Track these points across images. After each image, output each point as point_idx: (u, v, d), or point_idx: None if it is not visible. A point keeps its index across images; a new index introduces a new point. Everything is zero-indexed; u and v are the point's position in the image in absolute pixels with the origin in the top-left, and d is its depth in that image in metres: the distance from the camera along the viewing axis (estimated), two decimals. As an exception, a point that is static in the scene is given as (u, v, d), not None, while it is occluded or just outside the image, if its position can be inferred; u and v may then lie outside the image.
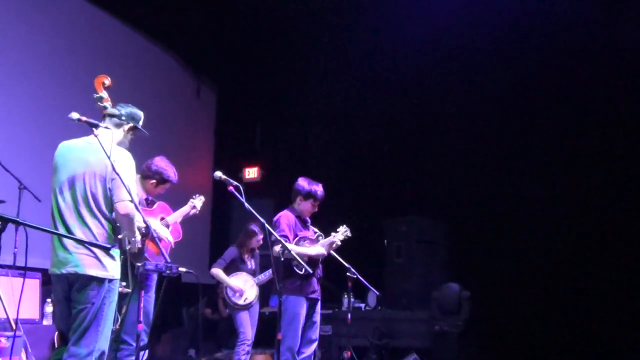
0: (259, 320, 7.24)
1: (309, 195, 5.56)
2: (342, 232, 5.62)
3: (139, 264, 3.43)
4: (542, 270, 8.44)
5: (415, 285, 8.56)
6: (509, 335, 8.35)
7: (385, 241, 8.95)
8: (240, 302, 7.02)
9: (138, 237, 3.71)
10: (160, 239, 5.09)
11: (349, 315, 6.06)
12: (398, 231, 8.82)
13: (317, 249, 5.49)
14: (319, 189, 5.60)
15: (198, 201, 5.61)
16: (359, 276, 5.69)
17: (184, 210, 5.52)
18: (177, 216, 5.42)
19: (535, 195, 8.74)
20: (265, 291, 7.37)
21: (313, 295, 5.48)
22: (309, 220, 5.71)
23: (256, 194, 10.59)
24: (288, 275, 5.30)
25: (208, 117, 11.43)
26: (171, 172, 5.27)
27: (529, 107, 8.87)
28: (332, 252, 5.63)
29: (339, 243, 5.60)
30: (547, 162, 8.70)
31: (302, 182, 5.61)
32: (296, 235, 5.47)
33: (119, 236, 3.77)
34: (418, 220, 8.90)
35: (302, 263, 4.99)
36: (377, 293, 6.49)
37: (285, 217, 5.48)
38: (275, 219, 5.47)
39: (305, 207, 5.59)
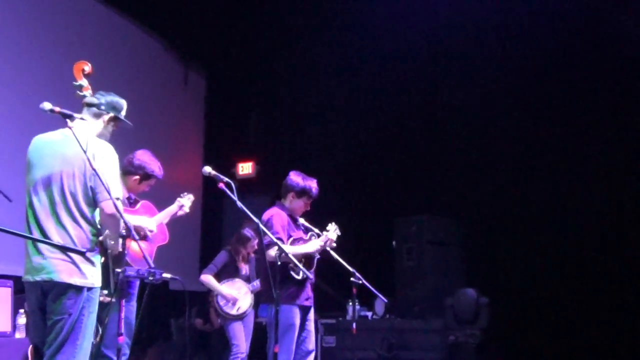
0: (254, 331, 7.26)
1: (302, 192, 5.52)
2: (333, 230, 5.56)
3: (119, 270, 3.43)
4: (569, 274, 8.43)
5: (428, 291, 8.57)
6: (533, 346, 8.34)
7: (394, 242, 8.96)
8: (233, 311, 7.03)
9: (119, 240, 3.71)
10: (144, 237, 5.10)
11: (354, 325, 6.06)
12: (408, 231, 8.84)
13: (313, 244, 5.45)
14: (313, 185, 5.55)
15: (186, 200, 5.60)
16: (364, 281, 5.68)
17: (171, 210, 5.51)
18: (162, 217, 5.42)
19: (561, 190, 8.73)
20: (256, 299, 7.39)
21: (307, 303, 5.46)
22: (299, 219, 5.66)
23: (251, 192, 10.58)
24: (281, 281, 5.23)
25: (197, 106, 11.45)
26: (155, 166, 5.27)
27: (555, 98, 8.86)
28: (332, 253, 5.60)
29: (334, 243, 5.55)
30: (575, 154, 8.69)
31: (295, 177, 5.55)
32: (290, 237, 5.45)
33: (100, 238, 3.76)
34: (430, 219, 8.91)
35: (301, 267, 4.98)
36: (385, 300, 6.48)
37: (278, 216, 5.43)
38: (266, 218, 5.41)
39: (298, 205, 5.55)
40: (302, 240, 5.53)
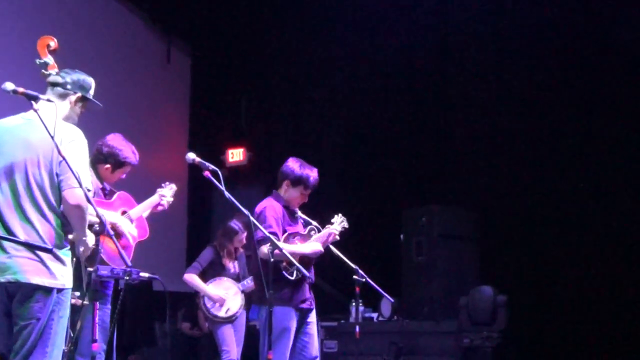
0: (246, 335, 7.27)
1: (298, 181, 5.49)
2: (338, 223, 5.58)
3: (91, 269, 3.40)
4: (597, 270, 8.40)
5: (440, 289, 8.56)
6: (556, 349, 8.33)
7: (402, 236, 8.93)
8: (221, 313, 7.04)
9: (91, 237, 3.68)
10: (121, 236, 5.07)
11: (357, 329, 6.07)
12: (417, 223, 8.81)
13: (312, 246, 5.45)
14: (312, 174, 5.53)
15: (168, 190, 5.61)
16: (368, 280, 5.70)
17: (151, 201, 5.51)
18: (142, 209, 5.42)
19: (588, 177, 8.69)
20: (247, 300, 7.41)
21: (304, 305, 5.45)
22: (297, 211, 5.65)
23: (242, 181, 10.65)
24: (274, 280, 5.16)
25: (181, 87, 11.45)
26: (128, 151, 5.27)
27: (582, 78, 8.83)
28: (332, 248, 5.60)
29: (338, 237, 5.56)
30: (606, 139, 8.65)
31: (292, 164, 5.54)
32: (284, 231, 5.43)
33: (70, 236, 3.74)
34: (442, 209, 8.89)
35: (297, 264, 4.97)
36: (392, 300, 6.49)
37: (272, 208, 5.42)
38: (258, 210, 5.41)
39: (293, 195, 5.53)
40: (299, 236, 5.52)
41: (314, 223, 5.66)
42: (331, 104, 10.83)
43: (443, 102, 9.97)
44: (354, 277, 5.66)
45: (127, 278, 3.26)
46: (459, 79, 9.84)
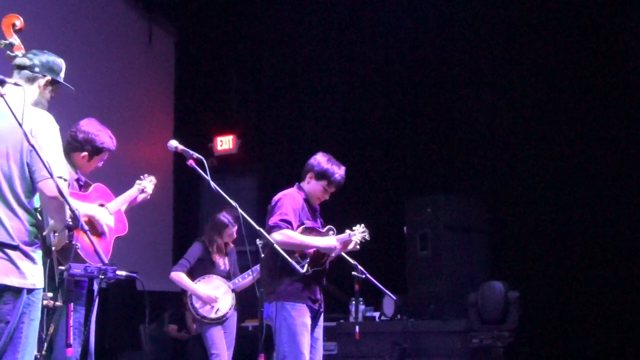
0: (238, 338, 7.28)
1: (322, 175, 5.64)
2: (359, 232, 5.66)
3: (63, 268, 3.38)
4: (615, 264, 8.41)
5: (447, 286, 8.56)
6: (572, 349, 8.35)
7: (405, 228, 8.94)
8: (211, 314, 7.06)
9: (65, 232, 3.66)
10: (100, 231, 5.07)
11: (357, 329, 6.11)
12: (422, 214, 8.80)
13: (328, 240, 5.54)
14: (338, 171, 5.68)
15: (147, 182, 5.62)
16: (368, 276, 5.71)
17: (130, 194, 5.52)
18: (120, 202, 5.41)
19: (607, 164, 8.68)
20: (250, 297, 7.41)
21: (314, 306, 5.53)
22: (318, 209, 5.77)
23: (232, 171, 10.62)
24: (284, 275, 5.32)
25: (164, 69, 11.43)
26: (105, 136, 5.25)
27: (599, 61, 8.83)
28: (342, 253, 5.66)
29: (358, 246, 5.66)
30: (625, 124, 8.64)
31: (320, 158, 5.71)
32: (301, 224, 5.52)
33: (44, 233, 3.72)
34: (448, 199, 8.90)
35: (291, 261, 4.97)
36: (394, 298, 6.49)
37: (291, 197, 5.55)
38: (276, 198, 5.54)
39: (315, 189, 5.66)
40: (316, 232, 5.60)
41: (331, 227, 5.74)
42: (329, 87, 10.82)
43: (448, 82, 9.96)
44: (353, 273, 5.68)
45: (102, 277, 3.24)
46: (466, 56, 9.83)
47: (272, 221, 5.31)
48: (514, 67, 9.38)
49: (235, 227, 7.10)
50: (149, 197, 5.61)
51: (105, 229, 5.12)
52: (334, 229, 5.69)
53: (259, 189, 10.24)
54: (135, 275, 3.88)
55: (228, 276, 7.23)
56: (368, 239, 5.72)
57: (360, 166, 10.27)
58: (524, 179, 9.10)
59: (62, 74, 4.07)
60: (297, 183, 5.73)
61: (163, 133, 10.80)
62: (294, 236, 5.35)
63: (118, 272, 3.39)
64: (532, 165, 9.09)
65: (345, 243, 5.60)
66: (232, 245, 7.36)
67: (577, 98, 8.93)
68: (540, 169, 9.04)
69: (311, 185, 5.66)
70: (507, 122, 9.40)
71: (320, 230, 5.65)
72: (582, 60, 8.90)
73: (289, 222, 5.36)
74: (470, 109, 9.78)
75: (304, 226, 5.52)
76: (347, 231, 5.64)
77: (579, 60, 8.93)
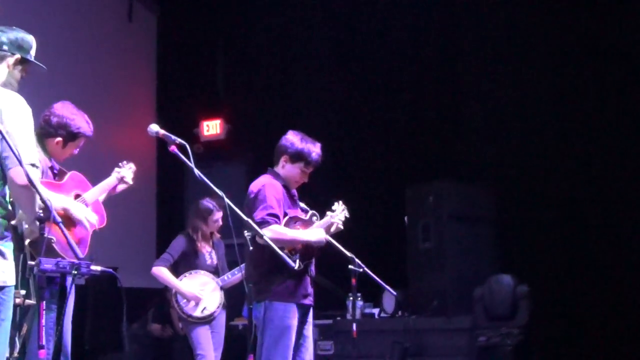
0: (227, 338, 7.28)
1: (298, 156, 5.58)
2: (340, 211, 5.66)
3: (33, 263, 3.37)
4: (634, 255, 8.40)
5: (451, 280, 8.57)
6: (585, 347, 8.36)
7: (406, 218, 8.94)
8: (197, 313, 7.05)
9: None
10: (76, 223, 5.05)
11: (355, 327, 6.06)
12: (424, 203, 8.81)
13: (317, 233, 5.53)
14: (314, 149, 5.62)
15: (126, 170, 5.60)
16: (366, 269, 5.70)
17: (108, 183, 5.49)
18: (98, 192, 5.39)
19: (621, 148, 8.67)
20: (239, 294, 7.41)
21: (306, 301, 5.53)
22: (296, 194, 5.73)
23: (219, 157, 10.63)
24: (274, 273, 5.31)
25: (146, 49, 11.44)
26: (82, 121, 5.23)
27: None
28: (328, 237, 5.64)
29: (341, 226, 5.67)
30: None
31: (292, 137, 5.64)
32: (285, 215, 5.50)
33: (12, 222, 3.71)
34: (453, 186, 8.89)
35: (283, 255, 4.95)
36: (395, 293, 6.48)
37: (272, 187, 5.50)
38: (255, 189, 5.49)
39: (292, 172, 5.62)
40: (301, 221, 5.60)
41: (311, 211, 5.73)
42: (324, 67, 10.79)
43: (451, 60, 9.95)
44: (350, 267, 5.65)
45: (76, 272, 3.22)
46: (473, 30, 9.82)
47: (258, 216, 5.24)
48: (527, 45, 9.36)
49: (221, 213, 7.10)
50: (128, 186, 5.59)
51: (86, 223, 5.08)
52: (317, 214, 5.67)
53: (248, 177, 10.15)
54: (111, 270, 3.87)
55: (216, 271, 7.22)
56: (347, 215, 5.71)
57: (356, 151, 10.30)
58: (535, 163, 9.08)
59: (32, 52, 4.06)
60: (269, 168, 5.68)
61: (145, 117, 10.76)
62: (284, 232, 5.33)
63: (93, 268, 3.38)
64: (543, 149, 9.07)
65: (329, 227, 5.60)
66: (218, 235, 7.34)
67: (596, 77, 8.92)
68: (552, 152, 9.02)
69: (287, 169, 5.61)
70: (517, 101, 9.36)
71: (304, 218, 5.63)
72: (598, 41, 8.89)
73: (276, 217, 5.33)
74: (475, 88, 9.78)
75: (287, 217, 5.49)
76: (328, 213, 5.62)
77: (595, 41, 8.91)
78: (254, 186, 5.51)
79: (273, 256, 4.92)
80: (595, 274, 8.53)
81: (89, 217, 5.14)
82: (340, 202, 5.72)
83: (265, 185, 5.48)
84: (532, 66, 9.29)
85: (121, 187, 5.55)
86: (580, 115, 8.92)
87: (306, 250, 5.49)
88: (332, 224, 5.61)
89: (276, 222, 5.31)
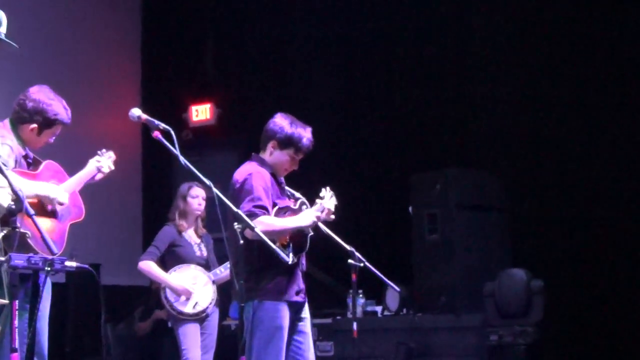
0: (219, 339, 7.28)
1: (287, 141, 5.49)
2: (329, 198, 5.55)
3: (2, 259, 3.34)
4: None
5: (460, 274, 8.55)
6: (604, 346, 8.38)
7: (411, 208, 8.90)
8: (188, 309, 7.03)
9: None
10: (53, 213, 5.05)
11: (355, 326, 6.05)
12: (430, 191, 8.77)
13: (307, 215, 5.44)
14: (305, 134, 5.53)
15: (105, 159, 5.56)
16: (367, 264, 5.67)
17: (86, 173, 5.46)
18: (75, 183, 5.36)
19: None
20: (222, 294, 7.41)
21: (298, 298, 5.47)
22: (283, 181, 5.66)
23: (210, 144, 10.62)
24: (265, 268, 5.26)
25: (130, 27, 11.41)
26: (59, 106, 5.20)
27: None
28: (322, 226, 5.60)
29: (333, 215, 5.56)
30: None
31: (281, 121, 5.54)
32: (274, 205, 5.42)
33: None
34: (460, 173, 8.89)
35: (276, 249, 4.90)
36: (398, 290, 6.46)
37: (259, 176, 5.40)
38: (241, 178, 5.40)
39: (281, 159, 5.53)
40: (290, 211, 5.51)
41: (301, 197, 5.66)
42: (322, 46, 10.79)
43: (459, 41, 9.94)
44: (350, 261, 5.63)
45: (49, 269, 3.20)
46: (482, 16, 9.81)
47: (244, 209, 5.11)
48: (541, 26, 9.38)
49: (203, 191, 7.12)
50: (104, 174, 5.55)
51: (57, 206, 5.03)
52: (307, 202, 5.58)
53: (240, 164, 10.20)
54: (87, 267, 3.84)
55: (207, 265, 7.21)
56: (336, 203, 5.59)
57: (356, 135, 10.29)
58: (549, 148, 9.11)
59: (3, 29, 4.02)
60: (254, 154, 5.61)
61: (129, 102, 10.73)
62: (273, 222, 5.24)
63: (67, 264, 3.36)
64: (559, 132, 9.07)
65: (321, 212, 5.48)
66: (204, 230, 7.34)
67: (618, 62, 8.93)
68: (568, 135, 9.02)
69: (275, 156, 5.51)
70: (529, 81, 9.38)
71: (293, 207, 5.55)
72: (617, 25, 8.92)
73: (264, 208, 5.23)
74: (486, 67, 9.76)
75: (277, 207, 5.41)
76: (318, 201, 5.51)
77: (614, 25, 8.94)
78: (239, 175, 5.42)
79: (263, 251, 4.88)
80: (615, 267, 8.54)
81: (60, 197, 5.10)
82: (328, 188, 5.59)
83: (252, 173, 5.38)
84: (551, 45, 9.29)
85: (99, 176, 5.52)
86: (602, 97, 8.92)
87: (298, 241, 5.40)
88: (324, 209, 5.49)
89: (264, 213, 5.23)
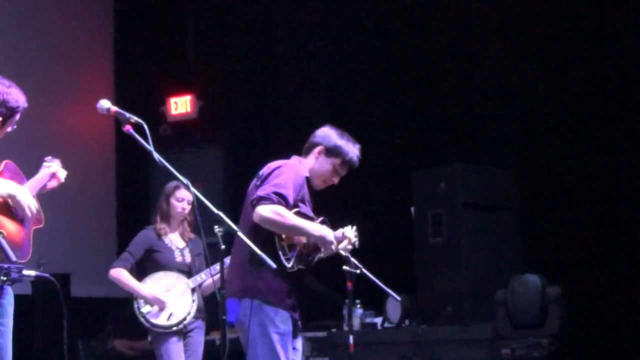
0: (205, 356, 7.25)
1: (335, 151, 5.66)
2: (352, 230, 5.66)
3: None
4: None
5: (467, 281, 8.54)
6: (627, 358, 8.35)
7: (413, 208, 8.91)
8: (161, 320, 7.03)
9: None
10: (19, 219, 5.01)
11: (352, 339, 6.06)
12: (434, 190, 8.77)
13: (323, 230, 5.49)
14: (354, 149, 5.73)
15: (55, 166, 5.52)
16: (364, 270, 5.64)
17: (40, 178, 5.44)
18: (33, 185, 5.33)
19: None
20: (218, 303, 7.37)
21: (296, 315, 5.53)
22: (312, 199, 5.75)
23: (190, 140, 10.62)
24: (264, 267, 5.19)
25: (102, 11, 11.37)
26: (17, 92, 5.14)
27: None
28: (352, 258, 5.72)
29: (350, 246, 5.64)
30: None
31: (330, 131, 5.75)
32: (296, 206, 5.48)
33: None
34: (468, 170, 8.86)
35: (260, 253, 4.86)
36: (399, 299, 6.44)
37: (294, 169, 5.54)
38: (274, 165, 5.52)
39: (325, 167, 5.66)
40: (310, 219, 5.58)
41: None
42: (314, 33, 10.87)
43: (466, 23, 9.96)
44: (344, 268, 5.67)
45: (5, 278, 3.17)
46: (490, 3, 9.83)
47: (262, 190, 5.23)
48: (555, 13, 9.37)
49: (190, 194, 7.05)
50: (59, 183, 5.51)
51: (28, 212, 5.00)
52: (328, 221, 5.63)
53: (224, 162, 10.24)
54: (47, 275, 3.80)
55: (189, 272, 7.18)
56: (357, 245, 5.70)
57: (354, 131, 10.20)
58: (565, 141, 9.10)
59: None
60: (293, 156, 5.71)
61: (100, 95, 10.71)
62: (287, 215, 5.24)
63: (25, 272, 3.33)
64: (576, 125, 9.08)
65: (339, 241, 5.56)
66: (193, 235, 7.32)
67: (626, 52, 8.94)
68: (586, 127, 9.03)
69: (320, 162, 5.64)
70: (543, 74, 9.38)
71: (315, 219, 5.60)
72: (631, 18, 8.92)
73: (284, 198, 5.29)
74: (494, 58, 9.77)
75: (297, 209, 5.44)
76: (341, 230, 5.61)
77: (627, 18, 8.95)
78: (273, 164, 5.54)
79: (267, 245, 4.95)
80: (638, 272, 8.51)
81: (32, 205, 5.07)
82: (355, 227, 5.70)
83: (287, 165, 5.54)
84: (568, 34, 9.31)
85: (52, 184, 5.50)
86: (626, 88, 8.94)
87: (304, 254, 5.45)
88: (345, 237, 5.59)
89: (281, 203, 5.25)
